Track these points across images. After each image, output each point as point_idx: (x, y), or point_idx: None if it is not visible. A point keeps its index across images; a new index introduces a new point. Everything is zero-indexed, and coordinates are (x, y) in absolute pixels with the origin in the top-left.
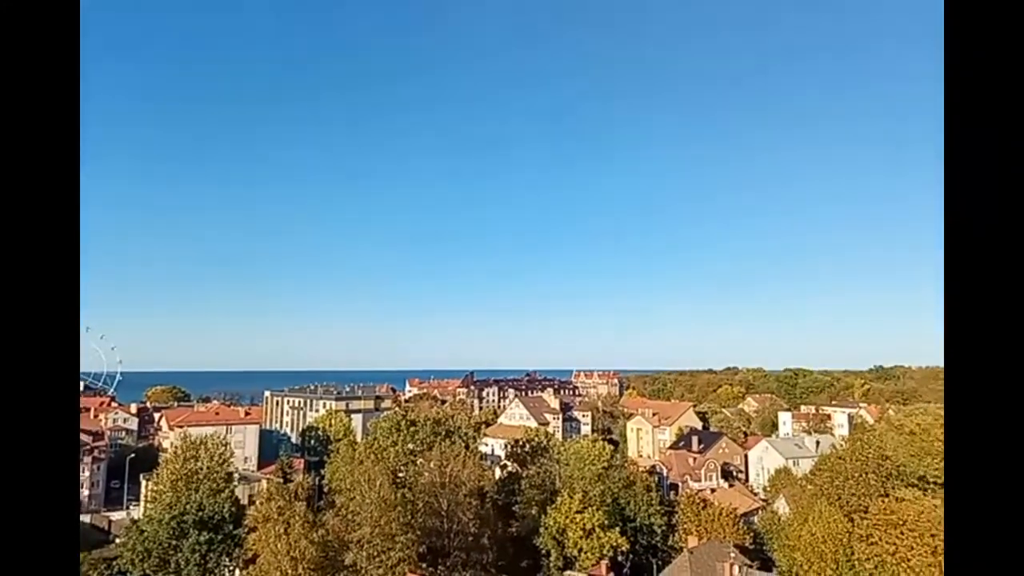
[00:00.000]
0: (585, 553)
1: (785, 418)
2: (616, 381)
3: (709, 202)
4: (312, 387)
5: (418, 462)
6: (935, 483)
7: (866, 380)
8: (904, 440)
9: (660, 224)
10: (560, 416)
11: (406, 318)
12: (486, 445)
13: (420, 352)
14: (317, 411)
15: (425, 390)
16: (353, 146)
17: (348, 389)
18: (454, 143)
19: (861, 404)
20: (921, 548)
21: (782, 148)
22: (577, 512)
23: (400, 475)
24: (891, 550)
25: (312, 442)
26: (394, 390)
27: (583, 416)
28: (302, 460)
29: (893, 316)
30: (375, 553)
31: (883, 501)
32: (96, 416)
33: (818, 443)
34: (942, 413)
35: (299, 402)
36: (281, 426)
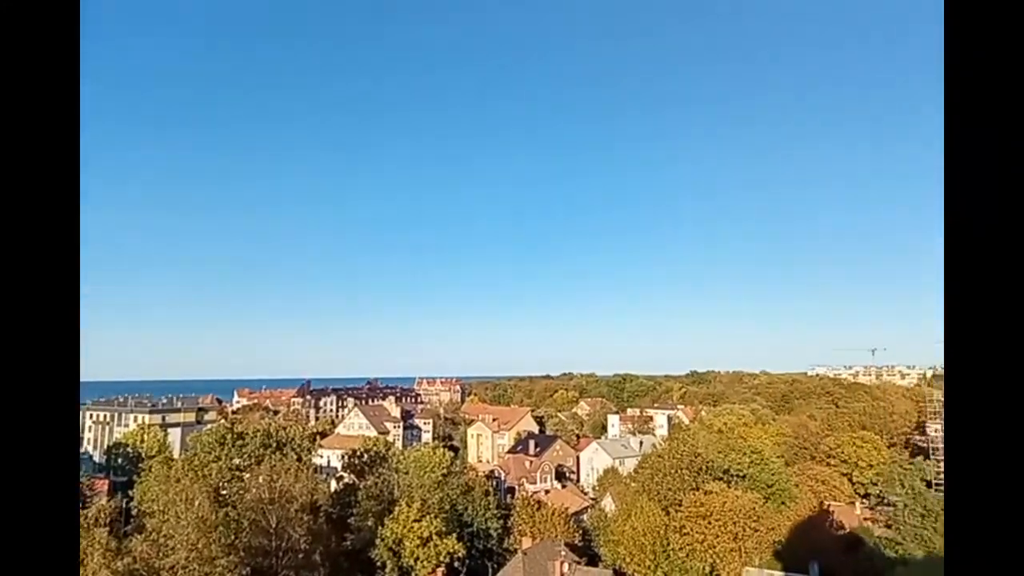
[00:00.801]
0: (422, 562)
1: (614, 420)
2: (458, 388)
3: (550, 212)
4: (121, 399)
5: (245, 478)
6: (737, 475)
7: (683, 384)
8: (713, 438)
9: (501, 233)
10: (401, 424)
11: (236, 324)
12: (321, 457)
13: (251, 360)
14: (127, 426)
15: (256, 400)
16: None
17: (165, 401)
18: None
19: (679, 406)
20: (724, 535)
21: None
22: (415, 521)
23: (223, 492)
24: (700, 539)
25: (119, 460)
26: (220, 401)
27: (424, 424)
28: (106, 481)
29: (706, 324)
30: None
31: (694, 494)
32: None
33: (641, 443)
34: (744, 413)
35: (104, 416)
36: (82, 443)
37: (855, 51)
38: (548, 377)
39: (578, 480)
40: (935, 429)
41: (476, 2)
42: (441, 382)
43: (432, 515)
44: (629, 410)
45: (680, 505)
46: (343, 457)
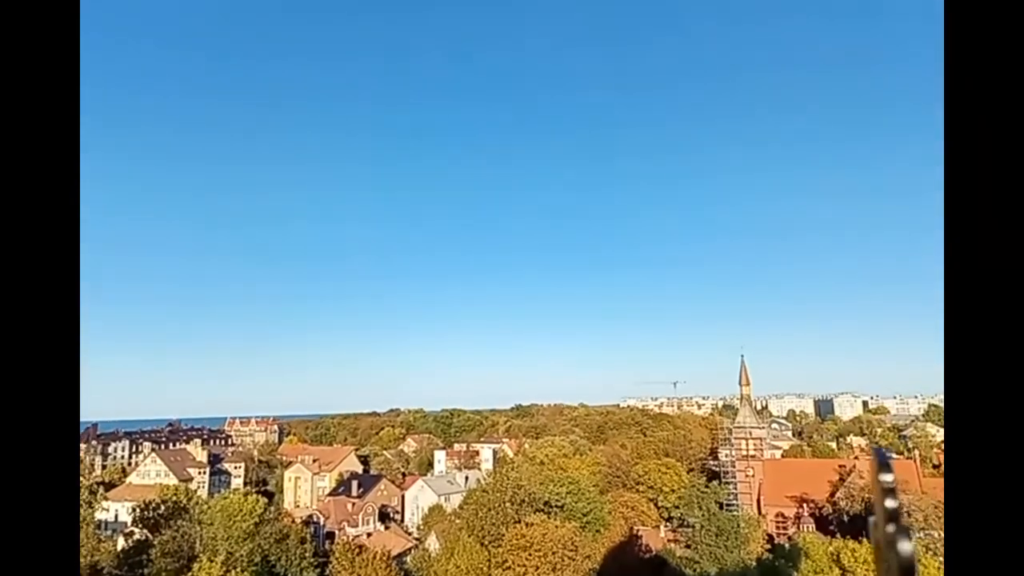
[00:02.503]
0: None
1: (440, 456)
2: (276, 428)
3: (372, 245)
4: None
5: None
6: (557, 506)
7: (508, 417)
8: (535, 469)
9: (322, 267)
10: (207, 470)
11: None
12: (107, 511)
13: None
14: None
15: None
16: None
17: None
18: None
19: (504, 439)
20: (544, 566)
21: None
22: None
23: None
24: (521, 572)
25: None
26: None
27: (235, 468)
28: None
29: (529, 358)
30: None
31: (516, 527)
32: None
33: (467, 478)
34: (564, 444)
35: None
36: None
37: (849, 52)
38: (374, 414)
39: (403, 520)
40: (725, 454)
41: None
42: (256, 421)
43: (240, 569)
44: (456, 445)
45: (503, 539)
46: (134, 510)
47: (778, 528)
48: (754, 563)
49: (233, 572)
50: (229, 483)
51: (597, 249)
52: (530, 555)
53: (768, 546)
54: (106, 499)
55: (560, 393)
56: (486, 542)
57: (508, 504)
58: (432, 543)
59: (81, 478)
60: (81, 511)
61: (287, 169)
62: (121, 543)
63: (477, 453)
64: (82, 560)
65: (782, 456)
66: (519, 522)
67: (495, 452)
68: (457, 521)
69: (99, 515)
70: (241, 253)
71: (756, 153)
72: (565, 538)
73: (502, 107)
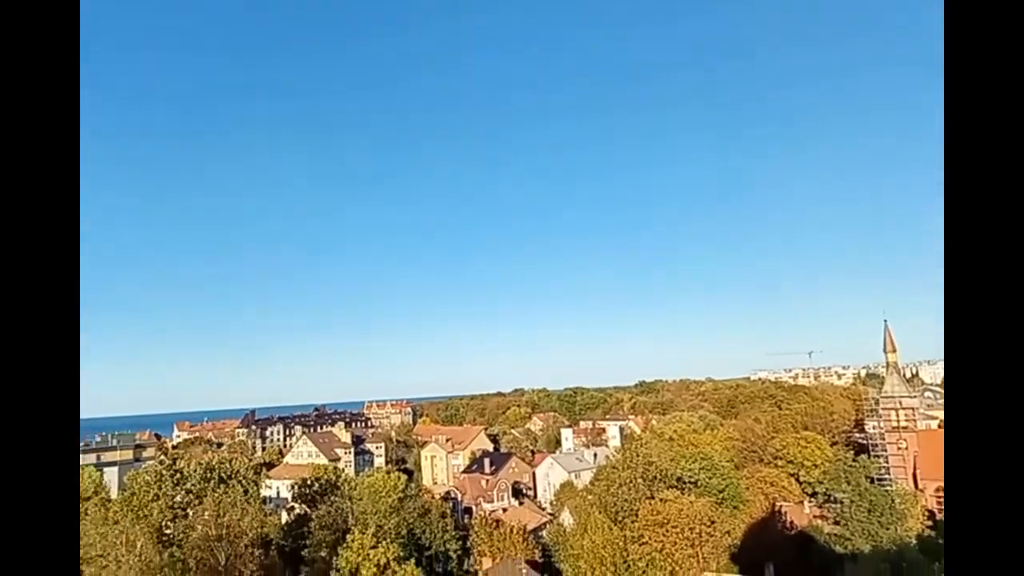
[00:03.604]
0: None
1: (567, 434)
2: (409, 410)
3: (496, 229)
4: None
5: (189, 515)
6: (690, 482)
7: (632, 394)
8: (665, 446)
9: (444, 251)
10: (352, 450)
11: (172, 355)
12: (270, 488)
13: (191, 392)
14: None
15: (197, 434)
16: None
17: (99, 439)
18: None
19: (630, 416)
20: (682, 543)
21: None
22: (371, 548)
23: (167, 532)
24: (658, 547)
25: None
26: (159, 436)
27: (376, 448)
28: None
29: (652, 334)
30: None
31: (650, 503)
32: None
33: (595, 455)
34: (693, 420)
35: None
36: None
37: (854, 51)
38: (500, 394)
39: (535, 496)
40: (872, 426)
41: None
42: (391, 404)
43: (388, 541)
44: (582, 423)
45: (636, 515)
46: (293, 487)
47: (939, 503)
48: (913, 540)
49: (383, 544)
50: (372, 462)
51: (719, 220)
52: (666, 531)
53: (929, 523)
54: (268, 477)
55: (685, 368)
56: (619, 518)
57: (640, 480)
58: (566, 518)
59: (245, 458)
60: (248, 488)
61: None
62: (284, 517)
63: (604, 430)
64: (252, 532)
65: (939, 427)
66: (652, 498)
67: (621, 429)
68: (589, 497)
69: (264, 492)
70: (375, 251)
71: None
72: (701, 514)
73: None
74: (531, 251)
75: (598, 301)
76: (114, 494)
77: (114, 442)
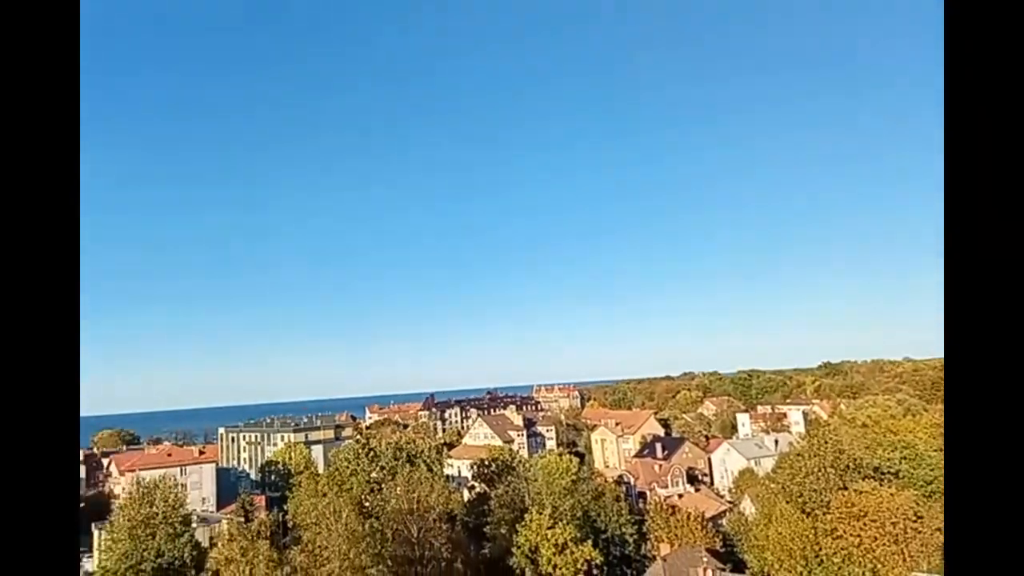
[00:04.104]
0: (560, 569)
1: (743, 419)
2: (576, 394)
3: (651, 213)
4: (268, 420)
5: (383, 490)
6: (889, 473)
7: (816, 377)
8: (857, 433)
9: (606, 236)
10: (524, 432)
11: (361, 343)
12: (451, 467)
13: (378, 377)
14: (275, 445)
15: (386, 415)
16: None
17: (306, 420)
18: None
19: (814, 401)
20: (884, 538)
21: (711, 148)
22: (548, 528)
23: (366, 504)
24: (856, 542)
25: (273, 477)
26: (354, 418)
27: (547, 431)
28: (263, 497)
29: (837, 312)
30: None
31: (843, 494)
32: None
33: (776, 441)
34: (890, 405)
35: (256, 437)
36: (239, 463)
37: (850, 51)
38: (668, 378)
39: (711, 483)
40: None
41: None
42: (559, 388)
43: (564, 522)
44: (759, 407)
45: (828, 506)
46: (472, 467)
47: None
48: None
49: (559, 525)
50: (544, 444)
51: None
52: (864, 524)
53: None
54: (450, 457)
55: (876, 348)
56: (808, 509)
57: (830, 469)
58: (747, 507)
59: (428, 439)
60: (433, 466)
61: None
62: (466, 494)
63: (784, 415)
64: (439, 507)
65: None
66: (845, 489)
67: (805, 414)
68: (772, 486)
69: (446, 470)
70: (537, 241)
71: None
72: (905, 507)
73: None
74: (693, 231)
75: (772, 278)
76: (320, 469)
77: (318, 423)
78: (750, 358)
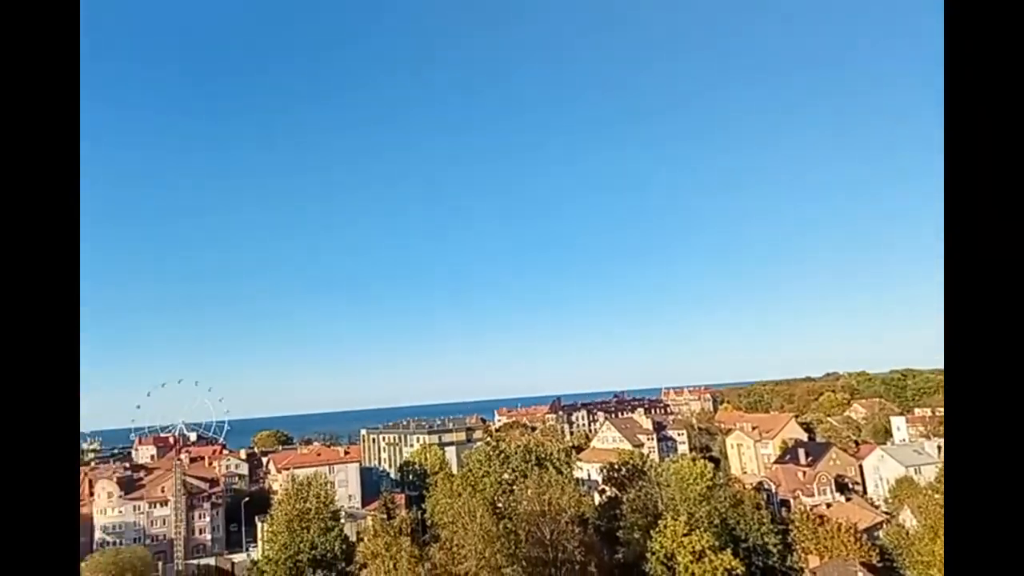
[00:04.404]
0: None
1: (899, 423)
2: (708, 396)
3: (781, 201)
4: (404, 423)
5: (514, 491)
6: None
7: None
8: None
9: (729, 232)
10: (654, 436)
11: (491, 348)
12: (580, 470)
13: (507, 381)
14: (411, 446)
15: (514, 418)
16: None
17: (439, 422)
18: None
19: None
20: None
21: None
22: (684, 535)
23: (498, 505)
24: None
25: (410, 476)
26: (484, 420)
27: (678, 435)
28: (403, 495)
29: None
30: None
31: None
32: (210, 464)
33: (939, 447)
34: None
35: (394, 438)
36: (379, 463)
37: (852, 53)
38: (809, 379)
39: (864, 492)
40: None
41: None
42: (689, 391)
43: (701, 529)
44: (916, 410)
45: None
46: (602, 470)
47: None
48: None
49: (696, 532)
50: (675, 448)
51: None
52: None
53: None
54: (579, 460)
55: None
56: None
57: None
58: (907, 519)
59: (556, 442)
60: (562, 469)
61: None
62: (597, 498)
63: None
64: (571, 510)
65: None
66: None
67: None
68: (937, 496)
69: (576, 473)
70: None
71: None
72: None
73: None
74: (828, 219)
75: (923, 269)
76: (454, 469)
77: (450, 425)
78: (904, 357)
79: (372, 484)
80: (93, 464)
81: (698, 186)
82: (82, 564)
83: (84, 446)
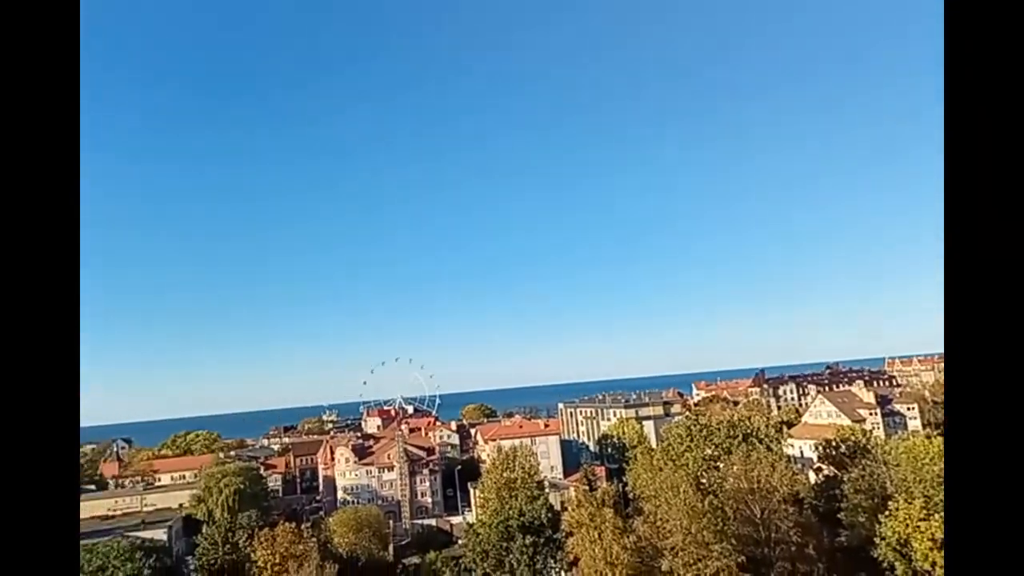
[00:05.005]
0: (940, 568)
1: None
2: (943, 367)
3: None
4: (600, 396)
5: (719, 467)
6: None
7: None
8: None
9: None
10: (878, 411)
11: (686, 321)
12: (791, 447)
13: (704, 354)
14: (608, 420)
15: (713, 392)
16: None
17: (635, 396)
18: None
19: None
20: None
21: None
22: (921, 520)
23: (703, 481)
24: None
25: (609, 450)
26: (681, 394)
27: (908, 409)
28: (603, 467)
29: None
30: (691, 561)
31: None
32: (426, 434)
33: None
34: None
35: (591, 412)
36: (578, 436)
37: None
38: None
39: None
40: None
41: None
42: (919, 360)
43: (941, 514)
44: None
45: None
46: (817, 447)
47: None
48: None
49: (935, 517)
50: (904, 425)
51: None
52: None
53: None
54: (789, 436)
55: None
56: None
57: None
58: None
59: (763, 417)
60: (771, 446)
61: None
62: (812, 477)
63: None
64: (783, 488)
65: None
66: None
67: None
68: None
69: (786, 450)
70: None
71: None
72: None
73: None
74: None
75: None
76: (653, 443)
77: (646, 399)
78: None
79: (572, 456)
80: (332, 433)
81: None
82: (330, 518)
83: (324, 417)
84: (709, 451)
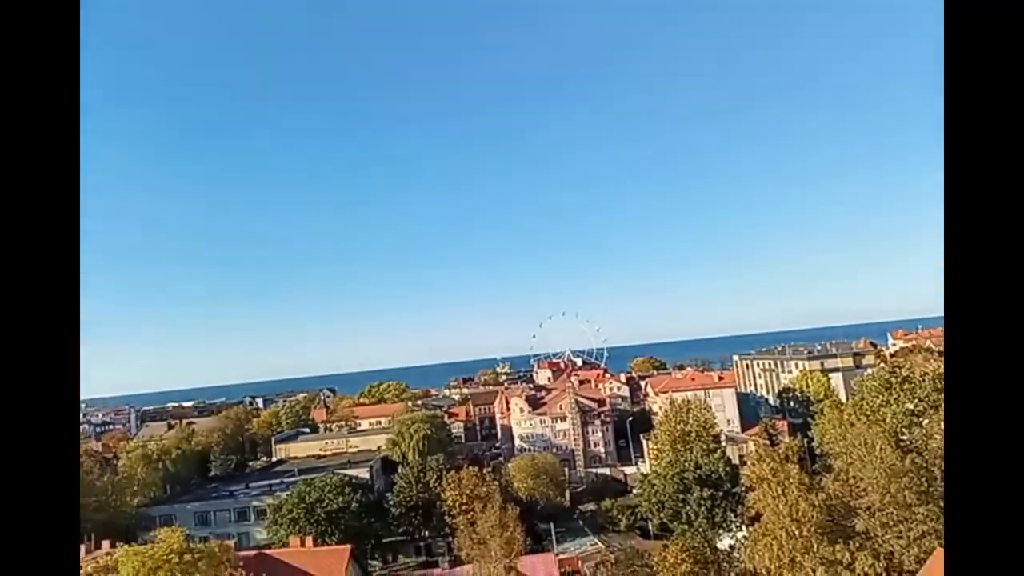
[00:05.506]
0: None
1: None
2: None
3: None
4: (780, 348)
5: (923, 424)
6: None
7: None
8: None
9: None
10: None
11: (883, 260)
12: None
13: (899, 300)
14: (789, 372)
15: (914, 342)
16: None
17: (819, 347)
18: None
19: None
20: None
21: None
22: None
23: (903, 438)
24: None
25: (791, 404)
26: (874, 344)
27: None
28: (784, 421)
29: None
30: (890, 523)
31: None
32: (596, 386)
33: None
34: None
35: (769, 364)
36: (755, 389)
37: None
38: None
39: None
40: None
41: None
42: None
43: None
44: None
45: None
46: None
47: None
48: None
49: None
50: None
51: None
52: None
53: None
54: None
55: None
56: None
57: None
58: None
59: None
60: None
61: None
62: None
63: None
64: None
65: None
66: None
67: None
68: None
69: None
70: None
71: None
72: None
73: None
74: None
75: None
76: (842, 397)
77: (833, 350)
78: None
79: (749, 409)
80: (506, 384)
81: None
82: (509, 464)
83: (497, 369)
84: (910, 405)
